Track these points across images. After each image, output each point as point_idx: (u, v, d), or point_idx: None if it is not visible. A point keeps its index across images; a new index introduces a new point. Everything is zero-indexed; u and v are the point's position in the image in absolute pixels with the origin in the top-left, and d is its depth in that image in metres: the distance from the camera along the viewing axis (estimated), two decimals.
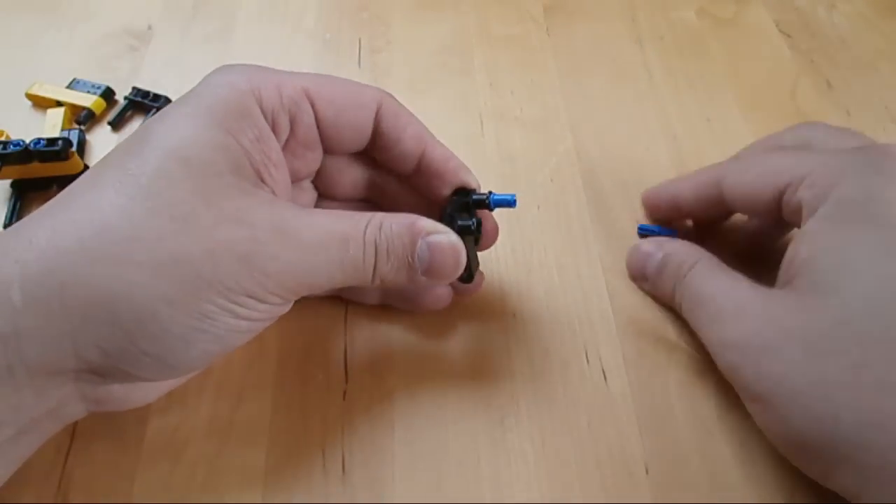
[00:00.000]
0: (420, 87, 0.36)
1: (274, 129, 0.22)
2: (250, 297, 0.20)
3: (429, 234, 0.22)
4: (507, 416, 0.25)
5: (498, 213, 0.32)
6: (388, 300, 0.27)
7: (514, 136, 0.34)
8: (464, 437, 0.24)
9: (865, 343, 0.19)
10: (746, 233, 0.30)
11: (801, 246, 0.22)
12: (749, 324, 0.22)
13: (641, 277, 0.28)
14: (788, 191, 0.23)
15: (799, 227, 0.23)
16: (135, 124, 0.35)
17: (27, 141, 0.30)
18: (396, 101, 0.25)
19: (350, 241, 0.21)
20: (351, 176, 0.26)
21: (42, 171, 0.31)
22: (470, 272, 0.24)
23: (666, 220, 0.30)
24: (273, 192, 0.21)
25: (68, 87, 0.35)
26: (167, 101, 0.35)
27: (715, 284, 0.24)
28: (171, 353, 0.19)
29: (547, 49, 0.38)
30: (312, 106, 0.23)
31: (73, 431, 0.24)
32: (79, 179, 0.20)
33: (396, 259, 0.22)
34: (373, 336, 0.27)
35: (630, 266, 0.29)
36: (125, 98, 0.35)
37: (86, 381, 0.20)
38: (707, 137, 0.34)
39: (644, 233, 0.30)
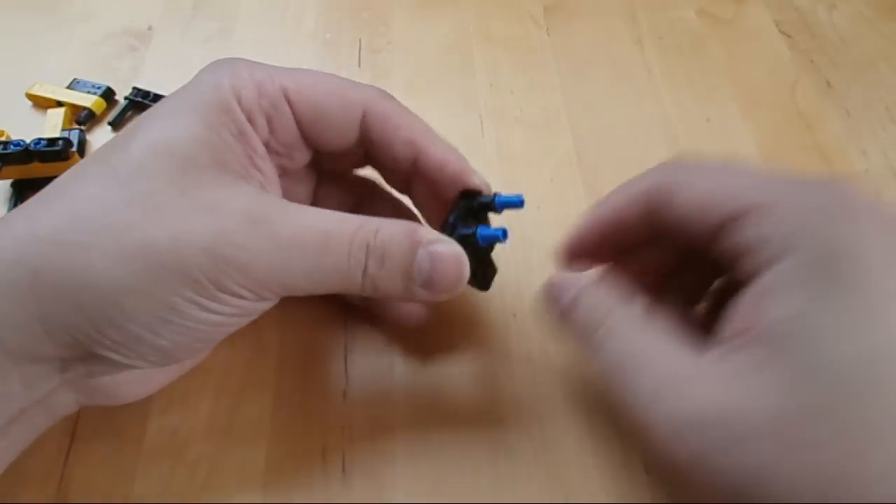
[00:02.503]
0: (420, 87, 0.36)
1: (253, 127, 0.22)
2: (219, 290, 0.19)
3: (430, 242, 0.21)
4: (507, 416, 0.25)
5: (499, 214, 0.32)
6: (357, 301, 0.27)
7: (514, 136, 0.34)
8: (464, 437, 0.24)
9: (856, 429, 0.16)
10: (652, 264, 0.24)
11: (767, 307, 0.18)
12: (707, 406, 0.18)
13: (554, 318, 0.23)
14: (742, 220, 0.19)
15: (731, 265, 0.19)
16: None
17: (27, 141, 0.30)
18: (390, 101, 0.24)
19: (332, 239, 0.20)
20: (350, 163, 0.26)
21: (42, 172, 0.31)
22: (486, 278, 0.24)
23: (594, 261, 0.24)
24: (261, 184, 0.21)
25: (69, 87, 0.35)
26: None
27: (643, 346, 0.20)
28: (138, 343, 0.19)
29: (547, 49, 0.38)
30: (291, 107, 0.22)
31: (74, 431, 0.24)
32: (65, 172, 0.20)
33: (393, 266, 0.20)
34: (373, 336, 0.27)
35: (545, 305, 0.23)
36: (125, 98, 0.35)
37: (73, 373, 0.20)
38: (707, 137, 0.34)
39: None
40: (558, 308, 0.22)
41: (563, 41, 0.39)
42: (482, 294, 0.28)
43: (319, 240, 0.20)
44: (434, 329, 0.27)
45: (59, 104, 0.34)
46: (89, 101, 0.34)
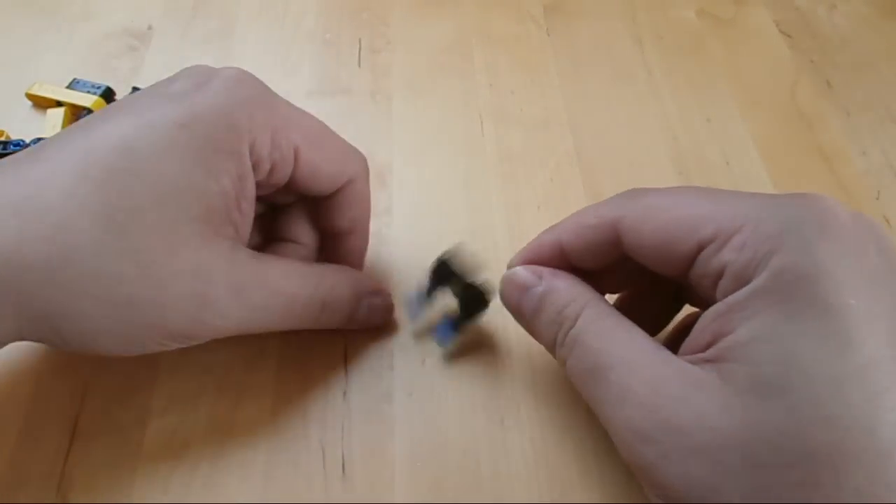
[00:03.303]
0: (420, 87, 0.36)
1: (255, 170, 0.22)
2: (191, 340, 0.22)
3: (370, 294, 0.26)
4: (507, 416, 0.25)
5: (499, 213, 0.32)
6: None
7: (514, 136, 0.34)
8: (464, 437, 0.24)
9: (815, 458, 0.16)
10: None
11: (735, 322, 0.18)
12: (669, 414, 0.18)
13: (517, 313, 0.23)
14: (710, 247, 0.19)
15: (709, 291, 0.19)
16: None
17: (27, 141, 0.30)
18: (366, 182, 0.26)
19: (296, 303, 0.23)
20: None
21: None
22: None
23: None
24: (237, 229, 0.22)
25: (68, 87, 0.35)
26: None
27: (613, 347, 0.20)
28: (103, 352, 0.21)
29: (547, 49, 0.38)
30: (295, 164, 0.23)
31: (73, 431, 0.24)
32: (53, 169, 0.20)
33: (340, 313, 0.25)
34: (372, 336, 0.27)
35: (504, 298, 0.24)
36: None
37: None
38: (707, 137, 0.34)
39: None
40: (526, 302, 0.22)
41: (563, 41, 0.39)
42: None
43: (286, 305, 0.23)
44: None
45: (59, 104, 0.34)
46: (89, 101, 0.34)
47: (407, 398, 0.25)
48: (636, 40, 0.39)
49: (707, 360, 0.18)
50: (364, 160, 0.26)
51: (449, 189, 0.32)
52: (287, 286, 0.23)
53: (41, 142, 0.22)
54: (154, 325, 0.20)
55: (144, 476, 0.23)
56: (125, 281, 0.19)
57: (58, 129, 0.33)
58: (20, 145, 0.30)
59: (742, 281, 0.18)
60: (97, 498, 0.23)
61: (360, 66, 0.37)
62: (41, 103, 0.35)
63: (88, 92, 0.35)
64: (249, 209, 0.22)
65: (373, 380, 0.26)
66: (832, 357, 0.16)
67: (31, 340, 0.21)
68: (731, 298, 0.18)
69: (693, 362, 0.18)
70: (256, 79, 0.23)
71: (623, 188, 0.32)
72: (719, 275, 0.19)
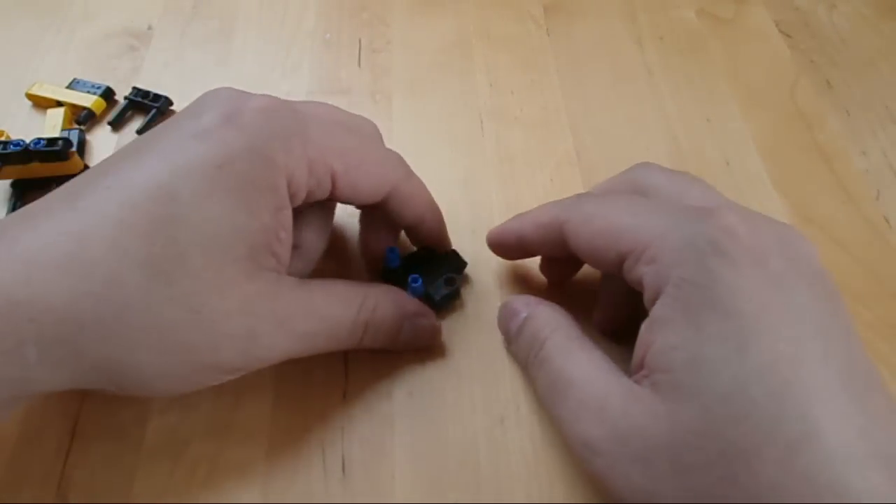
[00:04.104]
0: (420, 87, 0.36)
1: (291, 199, 0.23)
2: (242, 372, 0.22)
3: (416, 316, 0.25)
4: (507, 416, 0.25)
5: (499, 213, 0.32)
6: None
7: (514, 136, 0.34)
8: (464, 437, 0.24)
9: (728, 455, 0.17)
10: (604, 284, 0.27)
11: (655, 335, 0.19)
12: (614, 427, 0.19)
13: (505, 336, 0.26)
14: (629, 259, 0.21)
15: (642, 293, 0.21)
16: (135, 124, 0.35)
17: (27, 141, 0.30)
18: (412, 179, 0.26)
19: (339, 327, 0.23)
20: None
21: (42, 172, 0.31)
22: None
23: (516, 259, 0.27)
24: (278, 259, 0.22)
25: (68, 87, 0.35)
26: (167, 101, 0.35)
27: (573, 368, 0.21)
28: (158, 395, 0.23)
29: (547, 49, 0.38)
30: (334, 186, 0.23)
31: (73, 431, 0.24)
32: (93, 220, 0.20)
33: (383, 336, 0.25)
34: None
35: (498, 322, 0.26)
36: (125, 98, 0.35)
37: None
38: (707, 137, 0.34)
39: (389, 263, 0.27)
40: (513, 325, 0.25)
41: (563, 41, 0.39)
42: (482, 293, 0.28)
43: (329, 330, 0.23)
44: None
45: (59, 104, 0.34)
46: (89, 101, 0.34)
47: (407, 398, 0.25)
48: (636, 40, 0.39)
49: (644, 375, 0.19)
50: (401, 163, 0.26)
51: (449, 189, 0.32)
52: (330, 311, 0.23)
53: (70, 183, 0.22)
54: (208, 365, 0.21)
55: (144, 476, 0.23)
56: (178, 328, 0.20)
57: (58, 129, 0.33)
58: (20, 145, 0.30)
59: (657, 292, 0.20)
60: (97, 498, 0.23)
61: (360, 66, 0.37)
62: (41, 103, 0.35)
63: (88, 92, 0.35)
64: (288, 237, 0.23)
65: (373, 380, 0.26)
66: (732, 357, 0.17)
67: (85, 388, 0.21)
68: (652, 312, 0.20)
69: (637, 380, 0.20)
70: (287, 106, 0.23)
71: None
72: (641, 285, 0.20)
